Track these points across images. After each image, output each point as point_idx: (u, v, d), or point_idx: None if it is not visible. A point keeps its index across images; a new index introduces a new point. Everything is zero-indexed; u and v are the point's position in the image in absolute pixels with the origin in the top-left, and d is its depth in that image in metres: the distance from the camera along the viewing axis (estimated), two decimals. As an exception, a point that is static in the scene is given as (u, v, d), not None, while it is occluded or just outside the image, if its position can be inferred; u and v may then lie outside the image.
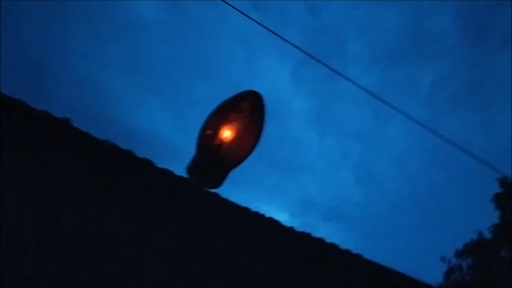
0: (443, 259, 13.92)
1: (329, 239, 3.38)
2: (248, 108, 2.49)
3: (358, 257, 3.35)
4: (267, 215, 3.28)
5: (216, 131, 2.50)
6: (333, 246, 3.28)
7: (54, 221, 2.66)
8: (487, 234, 13.33)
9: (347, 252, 3.34)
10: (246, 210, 3.13)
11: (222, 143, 2.46)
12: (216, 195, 2.99)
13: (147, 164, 2.87)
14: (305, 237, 3.27)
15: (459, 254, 13.74)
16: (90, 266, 2.65)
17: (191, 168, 2.61)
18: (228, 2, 4.02)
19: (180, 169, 2.99)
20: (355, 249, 3.45)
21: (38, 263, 2.55)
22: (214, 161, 2.53)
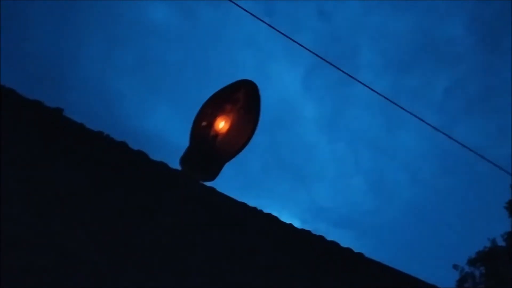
0: (455, 267, 13.64)
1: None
2: (243, 98, 2.41)
3: (360, 255, 3.24)
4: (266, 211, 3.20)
5: (211, 122, 2.41)
6: (333, 244, 3.18)
7: (46, 214, 2.61)
8: (501, 242, 13.00)
9: (348, 250, 3.23)
10: (243, 205, 3.04)
11: (217, 134, 2.37)
12: (211, 188, 2.92)
13: (140, 156, 2.81)
14: (305, 235, 3.17)
15: (472, 262, 13.43)
16: (81, 261, 2.59)
17: (184, 160, 2.53)
18: (240, 6, 3.99)
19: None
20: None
21: (31, 257, 2.50)
22: (209, 153, 2.43)
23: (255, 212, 3.03)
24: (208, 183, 2.92)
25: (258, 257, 3.04)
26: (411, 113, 5.63)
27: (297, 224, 3.51)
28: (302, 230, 3.20)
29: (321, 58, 5.03)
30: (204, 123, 2.48)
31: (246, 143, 2.55)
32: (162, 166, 2.87)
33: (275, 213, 3.33)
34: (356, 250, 3.33)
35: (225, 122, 2.45)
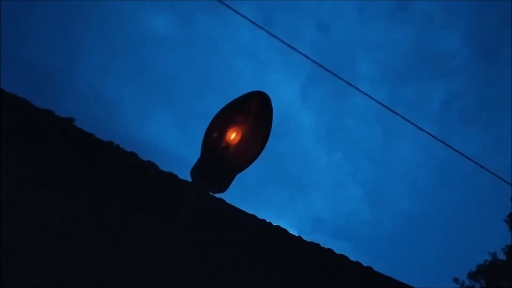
0: (456, 280, 13.55)
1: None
2: (255, 109, 2.39)
3: (369, 269, 3.20)
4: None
5: (223, 133, 2.40)
6: (343, 258, 3.14)
7: (52, 220, 2.57)
8: (501, 255, 12.92)
9: (357, 264, 3.19)
10: (252, 217, 3.01)
11: (228, 145, 2.35)
12: (221, 200, 2.89)
13: (150, 166, 2.79)
14: (314, 248, 3.13)
15: (472, 275, 13.33)
16: (84, 265, 2.55)
17: (195, 171, 2.50)
18: (239, 16, 3.98)
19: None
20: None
21: (36, 262, 2.45)
22: (220, 164, 2.41)
23: (265, 224, 2.99)
24: (218, 195, 2.89)
25: (266, 268, 2.99)
26: (410, 122, 5.59)
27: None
28: (312, 243, 3.16)
29: (321, 66, 5.02)
30: (215, 134, 2.46)
31: (257, 155, 2.53)
32: (171, 177, 2.84)
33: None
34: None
35: (236, 134, 2.42)
